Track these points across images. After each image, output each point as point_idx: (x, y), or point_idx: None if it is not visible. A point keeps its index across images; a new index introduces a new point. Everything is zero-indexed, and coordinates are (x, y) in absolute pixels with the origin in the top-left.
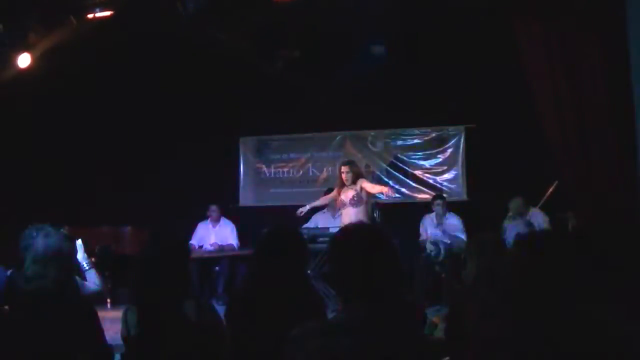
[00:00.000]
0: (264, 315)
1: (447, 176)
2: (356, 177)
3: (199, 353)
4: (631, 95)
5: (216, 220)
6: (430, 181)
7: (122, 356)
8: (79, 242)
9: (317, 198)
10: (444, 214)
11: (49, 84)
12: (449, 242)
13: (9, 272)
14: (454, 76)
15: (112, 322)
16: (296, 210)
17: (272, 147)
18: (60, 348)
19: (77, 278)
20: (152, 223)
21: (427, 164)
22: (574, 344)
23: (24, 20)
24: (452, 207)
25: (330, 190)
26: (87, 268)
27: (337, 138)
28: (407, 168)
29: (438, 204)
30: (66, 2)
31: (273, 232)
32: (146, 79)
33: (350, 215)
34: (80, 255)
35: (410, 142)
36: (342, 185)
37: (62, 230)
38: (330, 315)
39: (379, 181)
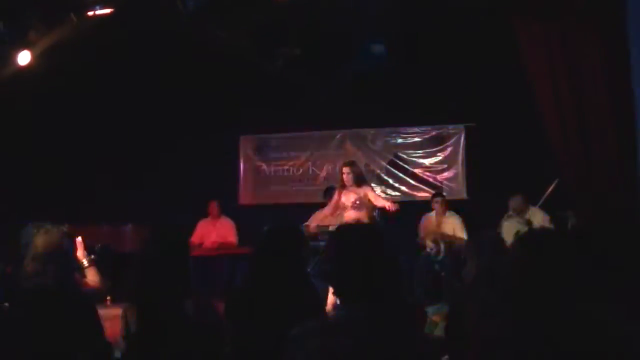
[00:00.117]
0: (263, 314)
1: (447, 175)
2: (358, 178)
3: (198, 351)
4: (631, 95)
5: (216, 217)
6: (430, 179)
7: (122, 354)
8: (78, 239)
9: (317, 196)
10: (443, 212)
11: (49, 81)
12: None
13: (9, 269)
14: (454, 75)
15: (112, 320)
16: (296, 209)
17: (272, 145)
18: (60, 346)
19: (77, 276)
20: (152, 221)
21: (427, 162)
22: (573, 344)
23: (24, 17)
24: (452, 205)
25: (329, 190)
26: (86, 266)
27: (337, 136)
28: (406, 166)
29: (437, 202)
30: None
31: (273, 230)
32: (146, 77)
33: (351, 218)
34: (80, 253)
35: (410, 140)
36: (343, 186)
37: (62, 227)
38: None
39: (378, 179)
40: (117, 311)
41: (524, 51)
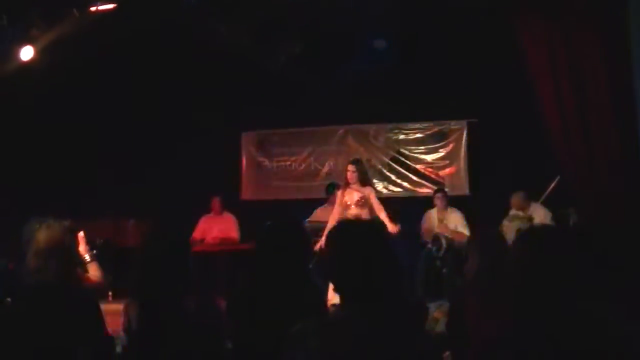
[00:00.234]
0: (264, 311)
1: (448, 171)
2: (363, 178)
3: (199, 347)
4: (633, 93)
5: (219, 212)
6: (432, 176)
7: (124, 349)
8: (80, 234)
9: (319, 192)
10: (445, 208)
11: (52, 77)
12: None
13: (11, 265)
14: (456, 71)
15: (113, 314)
16: (297, 204)
17: (274, 141)
18: (62, 340)
19: (79, 270)
20: (154, 216)
21: (428, 158)
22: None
23: (27, 13)
24: (454, 201)
25: (331, 186)
26: (88, 261)
27: (339, 132)
28: (408, 162)
29: (438, 198)
30: None
31: (275, 226)
32: (148, 73)
33: (353, 214)
34: (82, 248)
35: (412, 136)
36: (347, 184)
37: (64, 223)
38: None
39: (380, 175)
40: (118, 306)
41: (526, 50)
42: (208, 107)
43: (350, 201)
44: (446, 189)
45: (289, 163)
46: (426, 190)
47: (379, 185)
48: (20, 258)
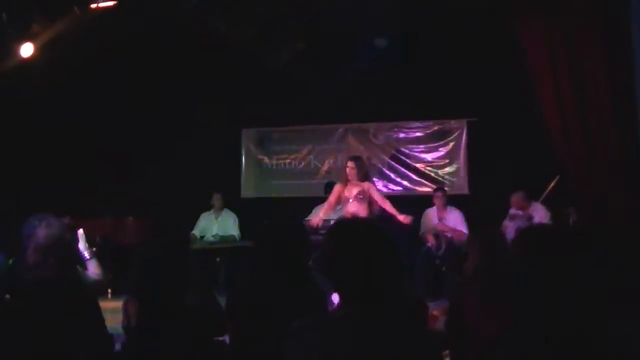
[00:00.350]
0: (264, 309)
1: (448, 169)
2: (363, 175)
3: (199, 345)
4: (633, 93)
5: (219, 209)
6: (432, 174)
7: (123, 346)
8: (80, 232)
9: (318, 190)
10: (444, 207)
11: (52, 74)
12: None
13: (10, 262)
14: (456, 70)
15: (112, 312)
16: (297, 202)
17: (274, 139)
18: (61, 338)
19: (78, 268)
20: (153, 214)
21: (428, 157)
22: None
23: (27, 9)
24: (454, 200)
25: (329, 185)
26: (88, 258)
27: (339, 130)
28: (408, 161)
29: (438, 196)
30: None
31: (275, 223)
32: (149, 70)
33: (352, 210)
34: (82, 245)
35: (412, 135)
36: (346, 181)
37: (63, 220)
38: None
39: (380, 173)
40: (118, 304)
41: (526, 50)
42: (208, 105)
43: (349, 195)
44: (446, 188)
45: (288, 161)
46: (426, 189)
47: (379, 184)
48: (19, 255)
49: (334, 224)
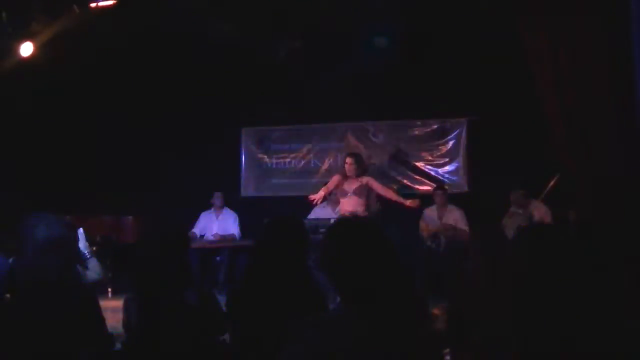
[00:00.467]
0: (264, 307)
1: (448, 168)
2: (361, 170)
3: (199, 343)
4: (634, 90)
5: (220, 208)
6: (432, 173)
7: (123, 345)
8: (80, 231)
9: (318, 189)
10: (444, 205)
11: (52, 73)
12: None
13: (10, 261)
14: (456, 68)
15: (113, 311)
16: (297, 201)
17: (274, 137)
18: (61, 337)
19: (79, 267)
20: (153, 213)
21: (428, 155)
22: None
23: (27, 8)
24: (454, 199)
25: None
26: (88, 257)
27: (339, 129)
28: (408, 160)
29: (438, 195)
30: None
31: (275, 222)
32: (148, 69)
33: (350, 204)
34: (82, 244)
35: (412, 133)
36: (345, 176)
37: (63, 219)
38: (330, 307)
39: (380, 172)
40: (118, 303)
41: (527, 48)
42: (208, 104)
43: (348, 188)
44: (446, 187)
45: (288, 160)
46: (426, 187)
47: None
48: (19, 254)
49: (334, 223)
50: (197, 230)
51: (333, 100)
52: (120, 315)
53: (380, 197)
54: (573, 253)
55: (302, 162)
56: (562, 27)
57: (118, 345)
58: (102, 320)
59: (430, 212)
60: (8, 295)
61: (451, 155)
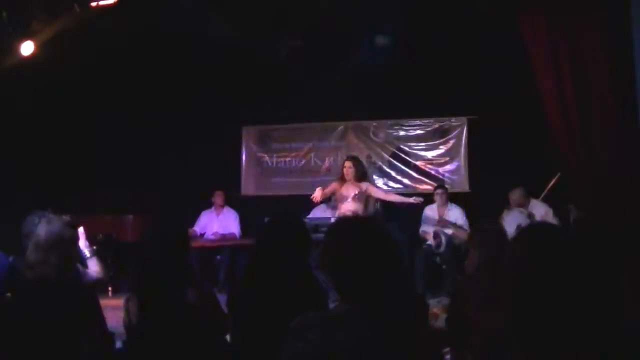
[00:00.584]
0: (265, 306)
1: (449, 167)
2: (360, 174)
3: (199, 341)
4: (634, 88)
5: (220, 207)
6: (432, 172)
7: (124, 344)
8: (80, 229)
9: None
10: (445, 204)
11: (52, 71)
12: (450, 232)
13: (11, 259)
14: (456, 67)
15: (113, 310)
16: (297, 200)
17: (274, 136)
18: (61, 335)
19: (79, 266)
20: (153, 211)
21: (429, 154)
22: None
23: (27, 7)
24: (454, 198)
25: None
26: (88, 256)
27: (340, 128)
28: (409, 159)
29: (439, 194)
30: None
31: (275, 221)
32: (148, 67)
33: (349, 210)
34: (82, 243)
35: (412, 132)
36: (343, 180)
37: (64, 217)
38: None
39: (381, 171)
40: (118, 301)
41: (527, 46)
42: (208, 102)
43: (346, 194)
44: (447, 186)
45: (289, 159)
46: (426, 186)
47: (379, 182)
48: (20, 253)
49: (334, 222)
50: (197, 228)
51: (333, 100)
52: (120, 314)
53: (381, 200)
54: (573, 253)
55: (303, 161)
56: (562, 27)
57: (118, 344)
58: (102, 319)
59: (431, 212)
60: (8, 294)
61: (451, 155)
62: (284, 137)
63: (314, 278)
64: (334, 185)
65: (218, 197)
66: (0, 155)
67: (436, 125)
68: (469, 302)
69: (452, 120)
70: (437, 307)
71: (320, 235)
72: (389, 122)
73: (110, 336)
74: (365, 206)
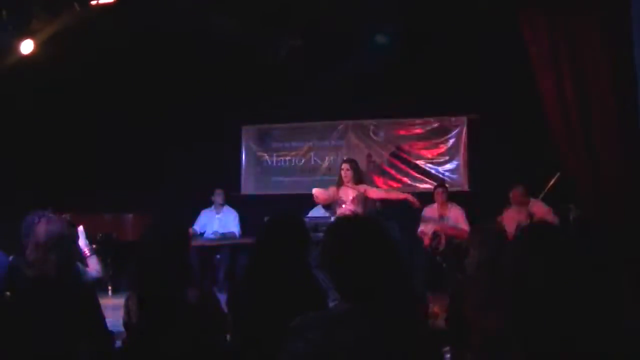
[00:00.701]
0: (265, 305)
1: (448, 166)
2: (358, 177)
3: (199, 340)
4: (635, 87)
5: (221, 205)
6: (432, 171)
7: (124, 343)
8: (80, 228)
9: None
10: (445, 203)
11: (52, 70)
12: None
13: (11, 258)
14: (456, 67)
15: (113, 309)
16: (297, 199)
17: (274, 135)
18: (61, 334)
19: (79, 265)
20: (153, 210)
21: (429, 154)
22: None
23: (27, 6)
24: (454, 197)
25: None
26: (88, 255)
27: (339, 127)
28: (409, 158)
29: (439, 192)
30: None
31: (275, 220)
32: (148, 67)
33: (348, 212)
34: (82, 242)
35: (412, 132)
36: (341, 183)
37: (63, 216)
38: (331, 305)
39: (380, 170)
40: (118, 301)
41: (527, 45)
42: (208, 102)
43: (345, 197)
44: (447, 185)
45: (289, 158)
46: (426, 185)
47: (379, 181)
48: (20, 252)
49: (334, 221)
50: (197, 226)
51: (333, 98)
52: (120, 313)
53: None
54: (573, 252)
55: (303, 160)
56: (562, 27)
57: (118, 344)
58: (102, 318)
59: (431, 211)
60: (8, 293)
61: (451, 154)
62: (284, 136)
63: (314, 277)
64: (332, 190)
65: (218, 196)
66: (0, 155)
67: (436, 125)
68: (469, 301)
69: (452, 119)
70: (437, 306)
71: (320, 235)
72: (389, 121)
73: (110, 336)
74: (364, 208)
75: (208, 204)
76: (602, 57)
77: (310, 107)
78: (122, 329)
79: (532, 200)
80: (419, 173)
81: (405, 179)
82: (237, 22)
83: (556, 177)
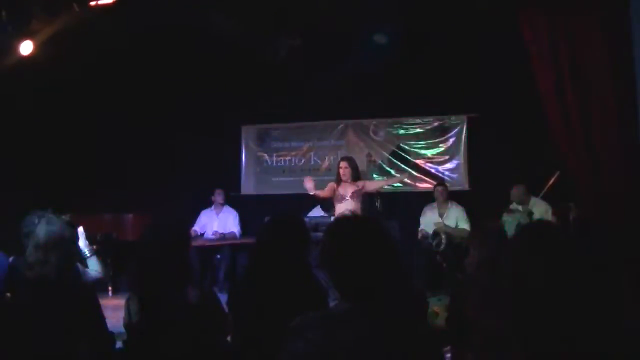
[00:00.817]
0: (266, 305)
1: (448, 165)
2: (356, 174)
3: (199, 340)
4: (634, 86)
5: (221, 205)
6: (432, 170)
7: (124, 343)
8: (80, 229)
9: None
10: (445, 202)
11: (51, 71)
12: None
13: (11, 259)
14: (456, 66)
15: (113, 309)
16: (297, 199)
17: (274, 135)
18: (61, 335)
19: (79, 265)
20: (153, 210)
21: (429, 153)
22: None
23: (27, 7)
24: (454, 196)
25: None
26: (88, 255)
27: (339, 127)
28: (409, 157)
29: (439, 191)
30: None
31: (276, 220)
32: (148, 66)
33: (347, 209)
34: (82, 243)
35: (412, 131)
36: (340, 180)
37: (64, 217)
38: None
39: (380, 169)
40: (118, 301)
41: (527, 45)
42: (208, 101)
43: (344, 193)
44: (447, 184)
45: (288, 158)
46: (426, 185)
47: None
48: (20, 253)
49: (333, 221)
50: (197, 227)
51: (333, 98)
52: (120, 314)
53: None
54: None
55: (303, 160)
56: (562, 27)
57: (119, 344)
58: (102, 318)
59: (431, 210)
60: (8, 294)
61: (451, 153)
62: (284, 136)
63: (314, 277)
64: (331, 186)
65: (218, 196)
66: (0, 155)
67: (436, 124)
68: (469, 301)
69: (452, 118)
70: (437, 305)
71: (320, 234)
72: (389, 120)
73: (110, 336)
74: (363, 204)
75: (208, 204)
76: (602, 57)
77: (310, 107)
78: (122, 329)
79: (533, 198)
80: (419, 172)
81: (405, 179)
82: (236, 22)
83: (555, 176)
